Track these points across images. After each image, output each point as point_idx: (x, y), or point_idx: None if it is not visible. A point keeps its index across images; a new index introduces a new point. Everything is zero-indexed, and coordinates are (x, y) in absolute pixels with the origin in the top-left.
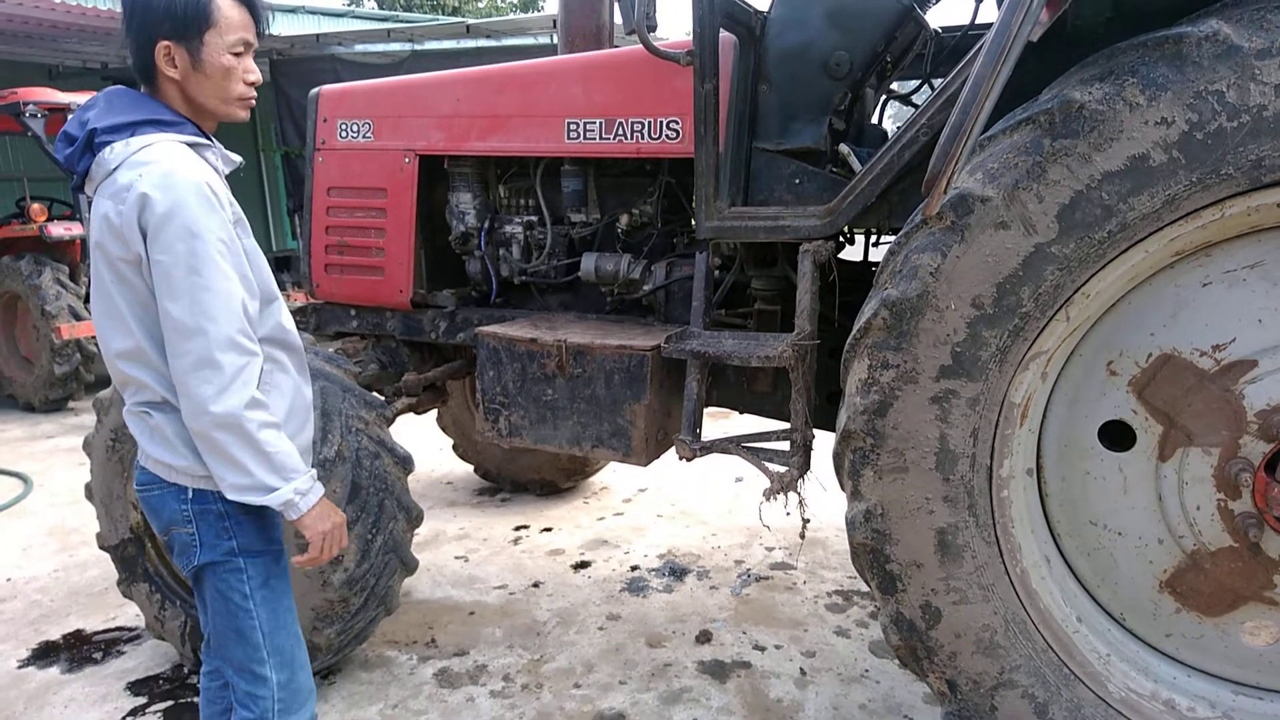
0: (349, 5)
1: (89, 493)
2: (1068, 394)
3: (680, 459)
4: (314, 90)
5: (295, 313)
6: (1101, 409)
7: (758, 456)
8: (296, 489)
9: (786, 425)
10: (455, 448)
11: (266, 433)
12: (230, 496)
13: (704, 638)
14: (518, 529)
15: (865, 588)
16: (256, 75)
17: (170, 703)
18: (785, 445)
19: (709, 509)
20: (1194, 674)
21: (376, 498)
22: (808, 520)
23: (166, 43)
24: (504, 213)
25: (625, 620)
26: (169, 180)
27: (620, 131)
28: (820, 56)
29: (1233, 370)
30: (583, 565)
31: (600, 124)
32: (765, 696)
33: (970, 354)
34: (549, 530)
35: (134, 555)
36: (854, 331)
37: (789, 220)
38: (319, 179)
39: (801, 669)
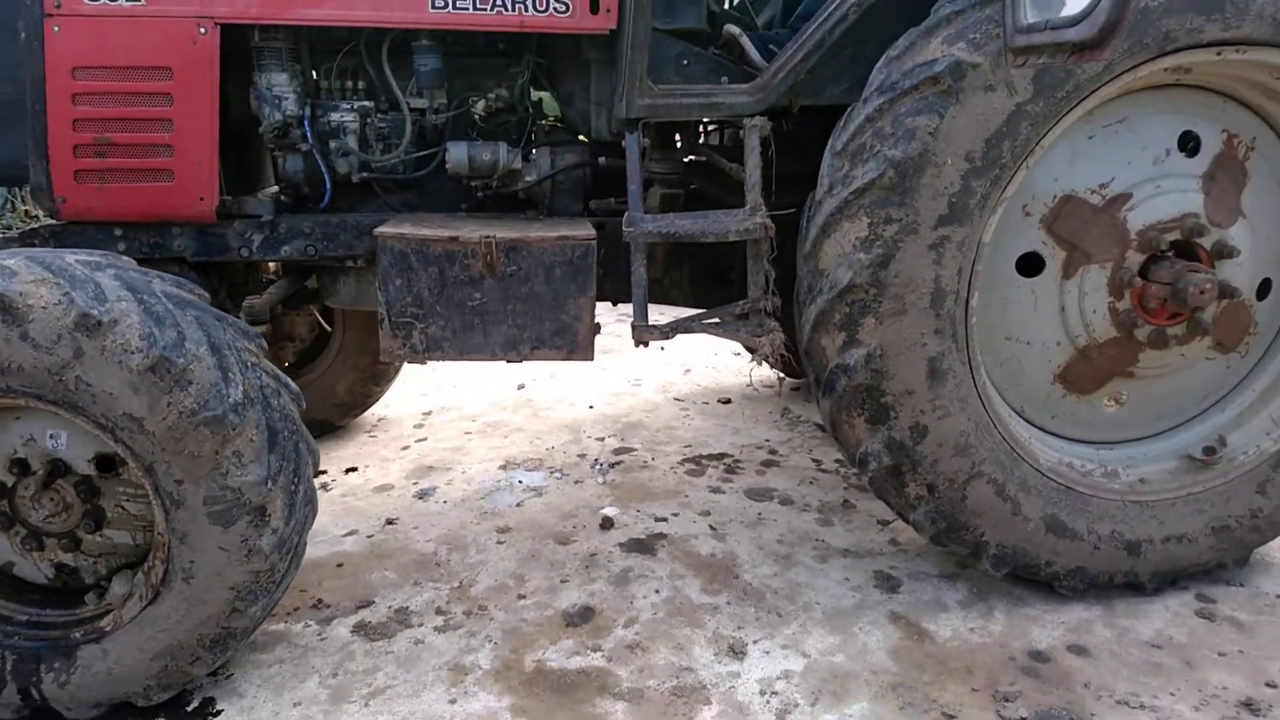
0: None
1: None
2: (992, 235)
3: (637, 345)
4: None
5: (24, 237)
6: (1018, 244)
7: (725, 329)
8: None
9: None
10: None
11: None
12: None
13: (606, 524)
14: (317, 474)
15: (704, 452)
16: None
17: None
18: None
19: (512, 417)
20: (1071, 442)
21: (291, 441)
22: (783, 379)
23: None
24: (325, 97)
25: (517, 530)
26: None
27: (500, 2)
28: None
29: (1115, 202)
30: (426, 494)
31: None
32: (699, 556)
33: (962, 203)
34: (355, 470)
35: None
36: (845, 194)
37: (722, 97)
38: (56, 56)
39: (711, 526)
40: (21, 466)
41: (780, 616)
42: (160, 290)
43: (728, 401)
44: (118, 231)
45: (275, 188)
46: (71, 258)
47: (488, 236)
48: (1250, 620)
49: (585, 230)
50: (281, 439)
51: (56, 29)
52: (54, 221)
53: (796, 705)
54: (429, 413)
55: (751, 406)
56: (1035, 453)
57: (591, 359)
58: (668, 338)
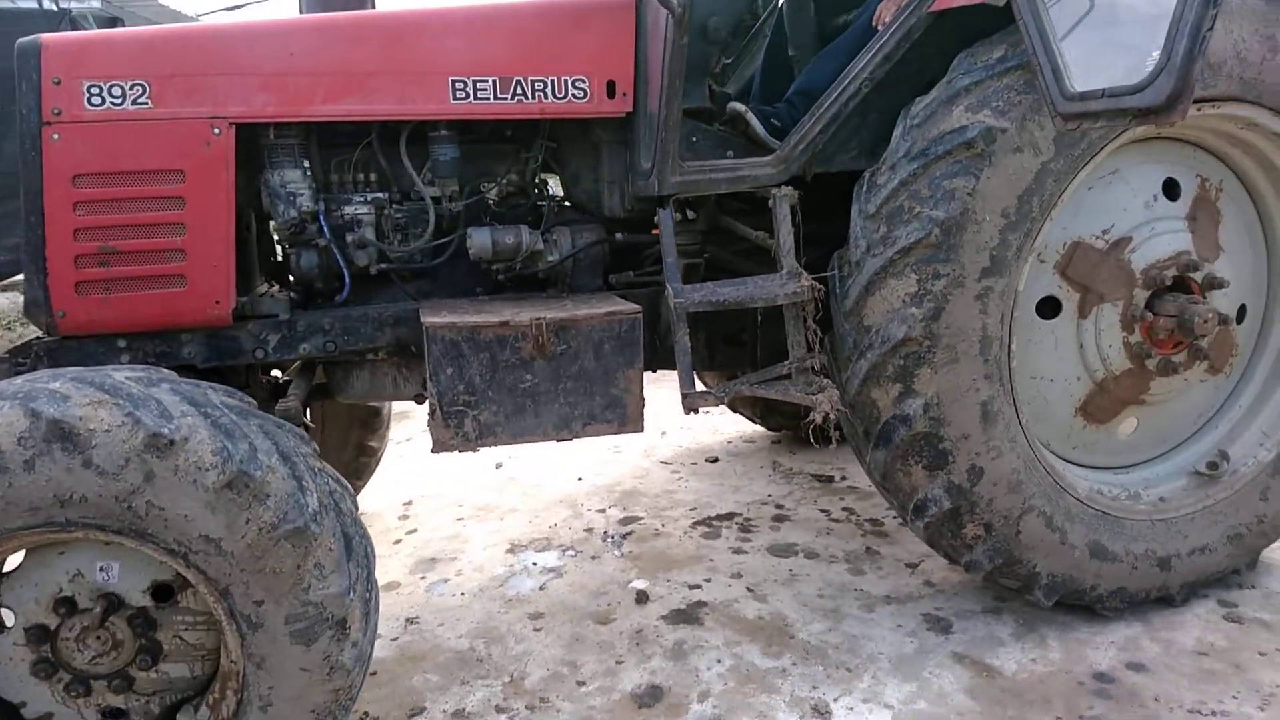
0: None
1: None
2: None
3: (687, 413)
4: (26, 40)
5: (13, 353)
6: (1036, 289)
7: (777, 390)
8: None
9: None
10: None
11: None
12: None
13: (642, 598)
14: None
15: (712, 514)
16: None
17: None
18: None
19: (501, 498)
20: (1091, 469)
21: (361, 546)
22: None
23: None
24: (337, 191)
25: (550, 614)
26: None
27: (520, 91)
28: (699, 21)
29: (1118, 245)
30: (437, 587)
31: (494, 82)
32: (747, 620)
33: (1001, 255)
34: None
35: None
36: (890, 254)
37: (747, 171)
38: (55, 164)
39: (748, 588)
40: (68, 605)
41: (850, 671)
42: (219, 401)
43: (715, 460)
44: (121, 343)
45: (268, 284)
46: (120, 375)
47: (538, 318)
48: (1273, 619)
49: (630, 305)
50: (354, 544)
51: (56, 137)
52: (47, 337)
53: None
54: (409, 502)
55: (741, 463)
56: (1073, 482)
57: (642, 430)
58: (721, 402)
